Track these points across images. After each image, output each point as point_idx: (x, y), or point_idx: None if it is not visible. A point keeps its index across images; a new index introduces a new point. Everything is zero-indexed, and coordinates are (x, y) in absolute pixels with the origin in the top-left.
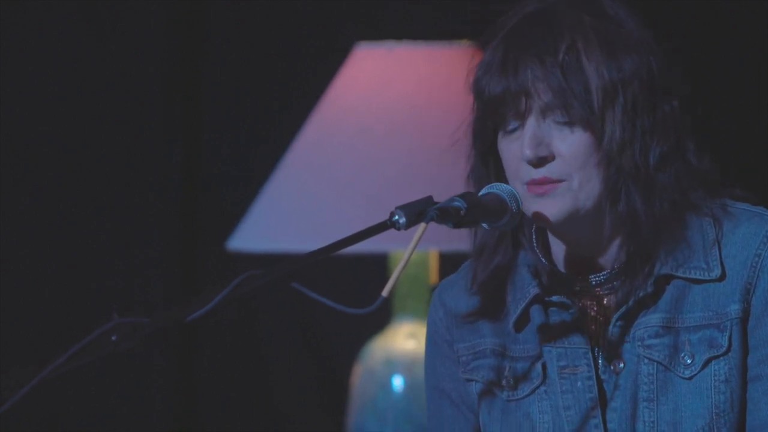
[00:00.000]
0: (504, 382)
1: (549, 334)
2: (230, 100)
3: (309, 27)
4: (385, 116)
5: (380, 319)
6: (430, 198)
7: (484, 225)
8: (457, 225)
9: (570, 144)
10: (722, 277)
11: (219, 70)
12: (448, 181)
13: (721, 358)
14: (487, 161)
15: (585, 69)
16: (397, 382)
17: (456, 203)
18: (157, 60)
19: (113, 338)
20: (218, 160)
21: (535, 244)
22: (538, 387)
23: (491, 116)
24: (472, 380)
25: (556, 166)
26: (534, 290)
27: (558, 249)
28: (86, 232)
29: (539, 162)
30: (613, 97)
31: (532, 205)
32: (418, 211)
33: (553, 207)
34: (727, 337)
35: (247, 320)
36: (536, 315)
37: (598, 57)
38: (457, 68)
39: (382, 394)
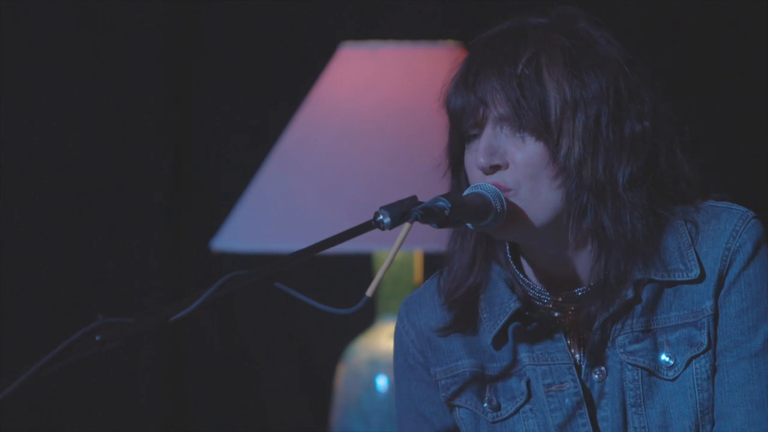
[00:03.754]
0: (486, 404)
1: (530, 350)
2: (215, 101)
3: (294, 28)
4: (370, 116)
5: (364, 320)
6: (414, 198)
7: (469, 225)
8: (441, 225)
9: (523, 153)
10: (701, 276)
11: (204, 72)
12: (433, 181)
13: (702, 355)
14: (458, 174)
15: (545, 82)
16: (381, 382)
17: (440, 203)
18: (149, 62)
19: (97, 338)
20: (205, 161)
21: (511, 261)
22: (522, 405)
23: (456, 129)
24: (455, 406)
25: (509, 174)
26: (514, 305)
27: (533, 266)
28: (79, 234)
29: (492, 170)
30: (573, 112)
31: None
32: (403, 211)
33: None
34: (705, 334)
35: (232, 321)
36: (515, 331)
37: (560, 72)
38: (442, 69)
39: (366, 394)
